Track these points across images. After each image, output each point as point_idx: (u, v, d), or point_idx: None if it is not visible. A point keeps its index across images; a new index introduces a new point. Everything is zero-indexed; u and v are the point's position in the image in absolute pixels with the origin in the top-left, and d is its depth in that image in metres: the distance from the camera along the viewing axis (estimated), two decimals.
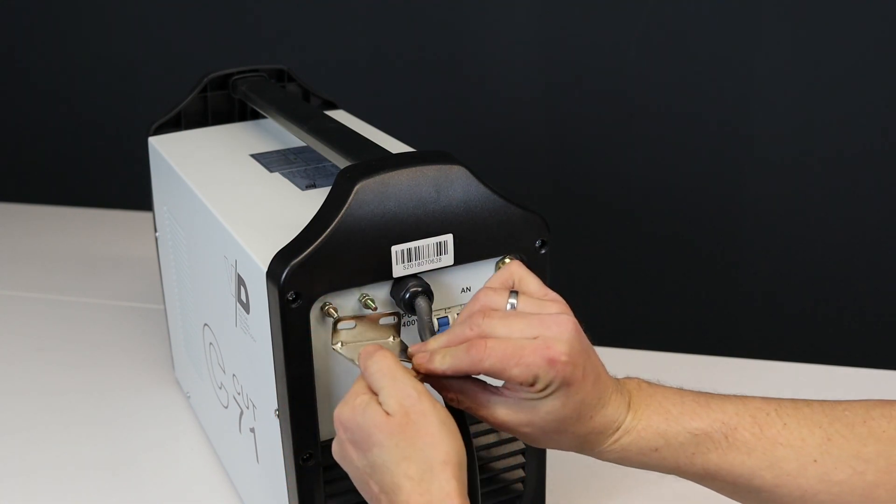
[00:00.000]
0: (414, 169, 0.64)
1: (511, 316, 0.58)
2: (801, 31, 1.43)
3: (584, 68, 1.55)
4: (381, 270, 0.64)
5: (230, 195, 0.78)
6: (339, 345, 0.64)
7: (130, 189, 1.49)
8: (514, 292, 0.60)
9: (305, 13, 1.63)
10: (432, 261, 0.65)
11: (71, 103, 1.79)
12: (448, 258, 0.65)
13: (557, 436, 0.59)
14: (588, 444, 0.60)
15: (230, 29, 1.67)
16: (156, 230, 0.98)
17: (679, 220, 1.58)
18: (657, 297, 1.66)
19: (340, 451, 0.58)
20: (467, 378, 0.60)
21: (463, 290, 0.68)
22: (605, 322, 1.67)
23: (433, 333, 0.62)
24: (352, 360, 0.63)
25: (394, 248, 0.63)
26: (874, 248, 1.51)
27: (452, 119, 1.64)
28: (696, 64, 1.49)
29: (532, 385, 0.57)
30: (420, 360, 0.60)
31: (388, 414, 0.55)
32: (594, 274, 1.66)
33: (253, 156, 0.86)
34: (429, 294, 0.64)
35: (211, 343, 0.83)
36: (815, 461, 0.58)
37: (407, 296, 0.64)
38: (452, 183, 0.64)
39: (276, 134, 0.93)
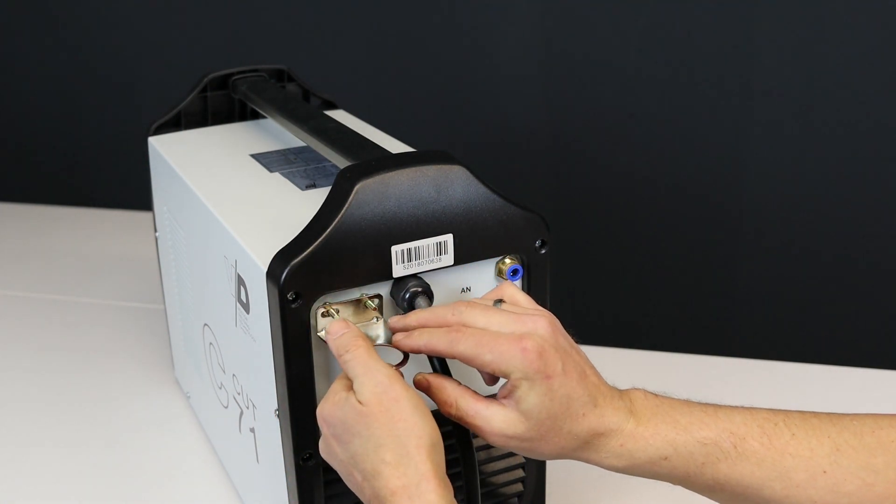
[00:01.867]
0: (414, 169, 0.64)
1: (492, 310, 0.60)
2: (803, 30, 1.43)
3: (585, 68, 1.54)
4: (381, 270, 0.64)
5: (230, 195, 0.78)
6: (324, 332, 0.64)
7: (130, 189, 1.49)
8: (499, 301, 0.62)
9: (305, 13, 1.63)
10: (432, 261, 0.65)
11: (71, 103, 1.79)
12: (448, 258, 0.65)
13: (555, 437, 0.59)
14: (590, 447, 0.60)
15: (230, 29, 1.67)
16: (156, 230, 0.98)
17: (679, 220, 1.58)
18: (657, 297, 1.66)
19: (326, 448, 0.60)
20: (462, 387, 0.60)
21: (463, 290, 0.68)
22: (605, 322, 1.67)
23: None
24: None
25: (394, 248, 0.63)
26: (874, 248, 1.51)
27: (452, 119, 1.64)
28: (697, 65, 1.49)
29: (509, 376, 0.57)
30: (398, 339, 0.62)
31: (361, 404, 0.57)
32: (594, 274, 1.66)
33: (253, 156, 0.86)
34: (429, 294, 0.64)
35: (211, 343, 0.83)
36: (825, 472, 0.58)
37: (407, 296, 0.64)
38: (452, 183, 0.64)
39: (276, 134, 0.93)
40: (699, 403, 0.62)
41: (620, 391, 0.61)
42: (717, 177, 1.54)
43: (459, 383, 0.61)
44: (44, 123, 1.83)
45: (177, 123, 0.96)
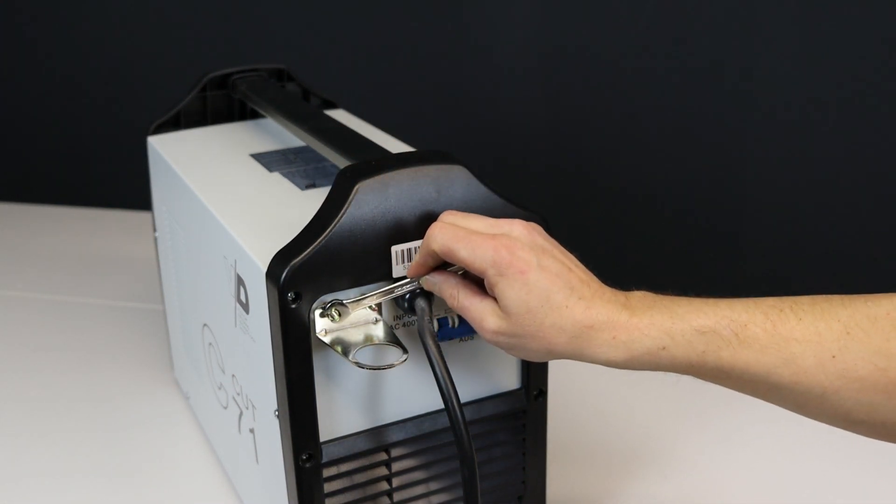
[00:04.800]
0: (414, 169, 0.64)
1: (473, 216, 0.62)
2: (805, 28, 1.43)
3: (585, 68, 1.54)
4: (381, 270, 0.64)
5: (230, 195, 0.78)
6: (324, 332, 0.63)
7: (130, 189, 1.49)
8: None
9: (305, 13, 1.63)
10: None
11: (70, 103, 1.79)
12: None
13: (540, 332, 0.58)
14: (581, 341, 0.59)
15: (230, 29, 1.67)
16: (155, 230, 0.98)
17: (680, 219, 1.58)
18: None
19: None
20: (463, 280, 0.62)
21: None
22: None
23: (433, 334, 0.62)
24: (336, 350, 0.63)
25: (394, 248, 0.63)
26: (875, 248, 1.51)
27: (452, 119, 1.64)
28: (697, 64, 1.49)
29: (485, 274, 0.59)
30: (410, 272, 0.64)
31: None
32: (594, 273, 1.66)
33: (253, 156, 0.86)
34: (429, 294, 0.64)
35: (210, 343, 0.83)
36: (834, 357, 0.55)
37: (407, 296, 0.64)
38: (452, 183, 0.64)
39: (275, 134, 0.92)
40: (703, 298, 0.59)
41: (616, 291, 0.61)
42: (719, 176, 1.54)
43: (462, 278, 0.62)
44: (43, 123, 1.83)
45: (176, 123, 0.96)
